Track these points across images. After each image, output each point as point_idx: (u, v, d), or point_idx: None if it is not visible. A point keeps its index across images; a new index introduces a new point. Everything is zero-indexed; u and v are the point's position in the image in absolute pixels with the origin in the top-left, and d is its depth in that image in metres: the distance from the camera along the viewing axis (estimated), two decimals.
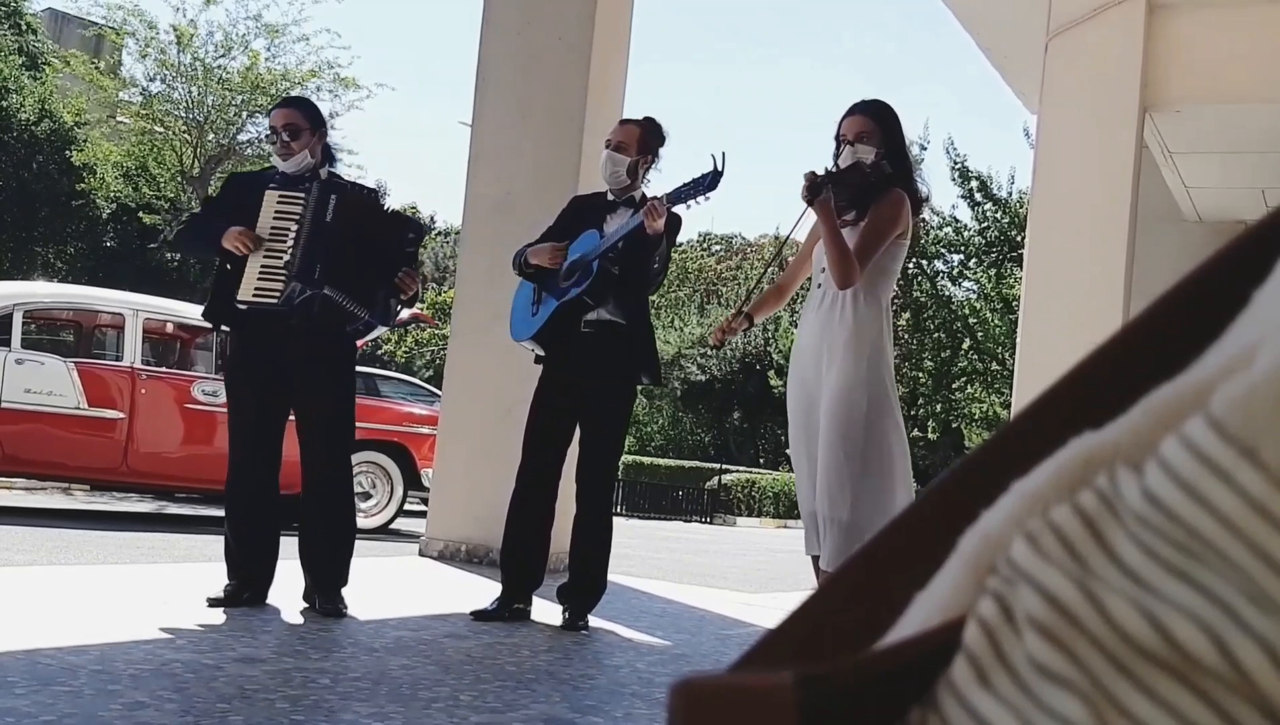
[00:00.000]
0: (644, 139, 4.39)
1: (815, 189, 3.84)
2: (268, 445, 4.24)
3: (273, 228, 4.12)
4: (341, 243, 4.11)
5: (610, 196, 4.41)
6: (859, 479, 3.84)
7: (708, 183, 4.04)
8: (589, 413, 4.33)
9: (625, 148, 4.36)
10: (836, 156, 4.01)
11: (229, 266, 4.14)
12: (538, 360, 4.46)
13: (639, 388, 4.61)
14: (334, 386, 4.25)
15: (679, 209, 4.15)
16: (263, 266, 4.09)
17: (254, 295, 4.08)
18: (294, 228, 4.12)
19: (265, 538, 4.25)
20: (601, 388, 4.29)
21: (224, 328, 4.43)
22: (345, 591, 4.22)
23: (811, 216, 4.00)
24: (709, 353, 31.66)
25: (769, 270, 4.50)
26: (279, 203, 4.15)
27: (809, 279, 4.19)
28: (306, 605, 4.20)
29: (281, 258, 4.09)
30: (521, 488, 4.39)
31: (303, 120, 4.28)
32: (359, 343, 4.36)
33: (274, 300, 4.08)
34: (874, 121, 3.96)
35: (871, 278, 3.89)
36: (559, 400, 4.33)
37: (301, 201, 4.14)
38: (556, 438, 4.39)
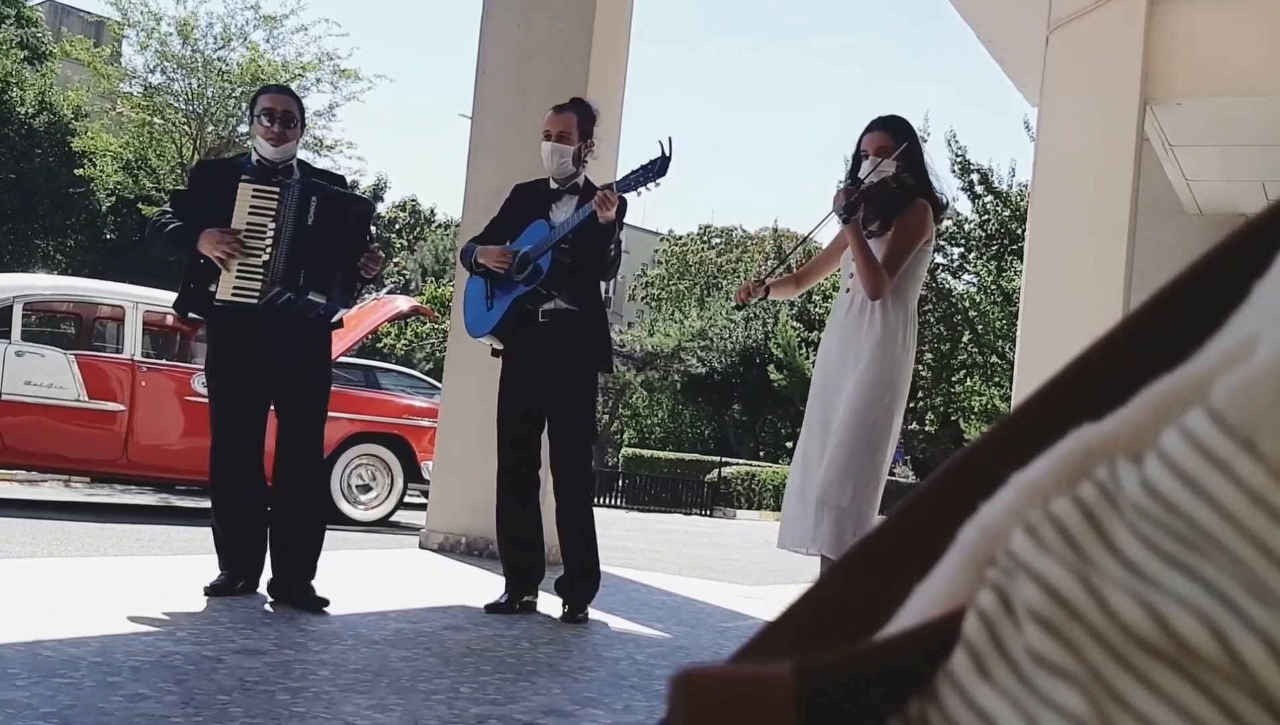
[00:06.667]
0: (582, 124, 4.37)
1: (851, 208, 4.02)
2: (250, 436, 4.21)
3: (249, 223, 4.06)
4: (321, 243, 4.06)
5: (554, 185, 4.39)
6: (861, 471, 3.99)
7: (657, 169, 4.05)
8: (554, 402, 4.33)
9: (567, 137, 4.33)
10: (856, 169, 4.19)
11: (202, 261, 4.05)
12: (495, 354, 4.46)
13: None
14: (315, 381, 4.25)
15: (628, 196, 4.15)
16: (240, 265, 4.02)
17: (233, 294, 4.03)
18: (271, 226, 4.05)
19: (252, 528, 4.23)
20: (563, 376, 4.30)
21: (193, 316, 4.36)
22: (334, 585, 4.21)
23: (833, 218, 4.16)
24: (709, 346, 31.69)
25: (787, 261, 4.89)
26: (254, 197, 4.08)
27: (823, 280, 4.40)
28: (273, 599, 4.12)
29: (260, 257, 4.03)
30: (504, 484, 4.40)
31: (297, 112, 4.27)
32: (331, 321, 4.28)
33: (253, 300, 4.02)
34: (891, 136, 4.14)
35: (899, 284, 4.06)
36: (524, 391, 4.34)
37: (277, 197, 4.08)
38: (528, 429, 4.39)
